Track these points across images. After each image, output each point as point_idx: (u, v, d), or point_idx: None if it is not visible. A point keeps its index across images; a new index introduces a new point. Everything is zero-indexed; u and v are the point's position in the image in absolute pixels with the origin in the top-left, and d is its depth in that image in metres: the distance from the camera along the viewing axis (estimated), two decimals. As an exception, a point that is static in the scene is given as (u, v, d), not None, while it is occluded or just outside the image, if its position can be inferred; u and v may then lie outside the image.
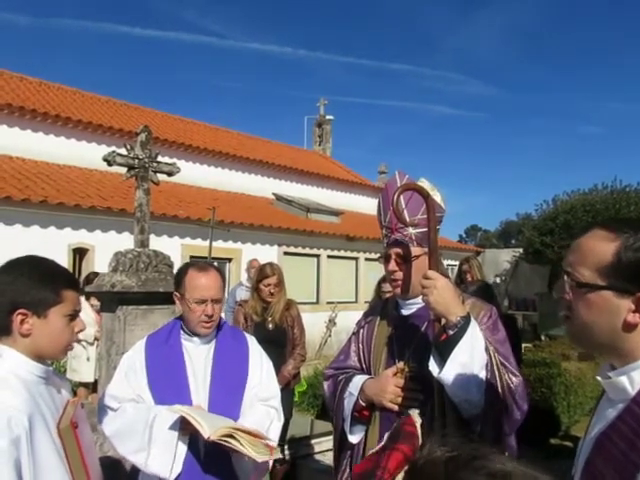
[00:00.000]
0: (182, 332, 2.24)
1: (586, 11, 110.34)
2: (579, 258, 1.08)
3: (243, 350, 2.30)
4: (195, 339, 2.22)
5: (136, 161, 4.07)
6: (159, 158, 4.31)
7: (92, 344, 6.17)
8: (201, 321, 2.14)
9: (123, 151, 4.08)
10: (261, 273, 4.31)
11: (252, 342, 2.37)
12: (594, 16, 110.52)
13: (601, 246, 1.04)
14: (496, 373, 1.74)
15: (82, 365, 6.19)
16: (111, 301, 3.80)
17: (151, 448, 2.00)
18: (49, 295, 1.43)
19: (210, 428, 1.89)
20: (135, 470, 2.20)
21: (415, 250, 1.94)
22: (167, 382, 2.11)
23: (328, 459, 4.42)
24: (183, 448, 2.02)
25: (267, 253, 12.16)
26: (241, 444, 1.90)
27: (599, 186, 15.92)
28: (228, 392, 2.13)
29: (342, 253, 15.17)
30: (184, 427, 2.01)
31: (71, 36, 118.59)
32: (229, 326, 2.39)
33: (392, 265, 1.98)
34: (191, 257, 11.44)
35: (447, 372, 1.67)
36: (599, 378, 1.10)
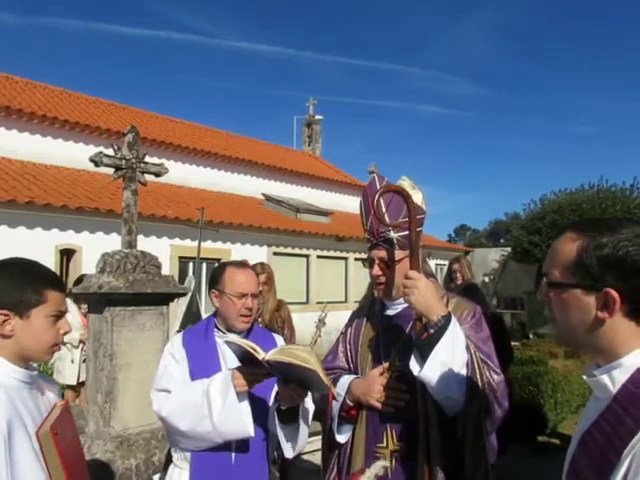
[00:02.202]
0: (216, 330, 2.32)
1: (576, 10, 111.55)
2: (551, 260, 1.13)
3: (270, 347, 2.37)
4: (228, 335, 2.27)
5: (123, 162, 4.05)
6: (147, 158, 4.30)
7: (77, 347, 6.14)
8: (241, 314, 2.23)
9: (110, 152, 4.06)
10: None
11: (280, 341, 2.44)
12: (584, 15, 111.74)
13: (567, 246, 1.09)
14: (477, 371, 1.77)
15: (66, 367, 6.17)
16: (98, 302, 3.78)
17: (213, 412, 2.00)
18: (31, 296, 1.42)
19: (263, 353, 1.90)
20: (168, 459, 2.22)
21: (398, 253, 1.95)
22: (204, 375, 2.15)
23: (317, 459, 4.43)
24: (246, 404, 2.02)
25: (256, 253, 12.15)
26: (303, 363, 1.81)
27: (586, 186, 16.12)
28: (259, 387, 2.13)
29: (332, 253, 15.20)
30: (237, 374, 2.00)
31: (58, 35, 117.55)
32: (259, 326, 2.47)
33: (376, 270, 2.00)
34: (180, 258, 11.41)
35: (427, 370, 1.69)
36: (585, 377, 1.12)
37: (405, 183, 2.02)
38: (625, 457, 0.92)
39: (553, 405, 6.15)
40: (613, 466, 0.94)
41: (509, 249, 18.22)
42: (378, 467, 1.62)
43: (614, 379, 1.02)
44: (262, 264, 4.49)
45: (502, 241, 37.00)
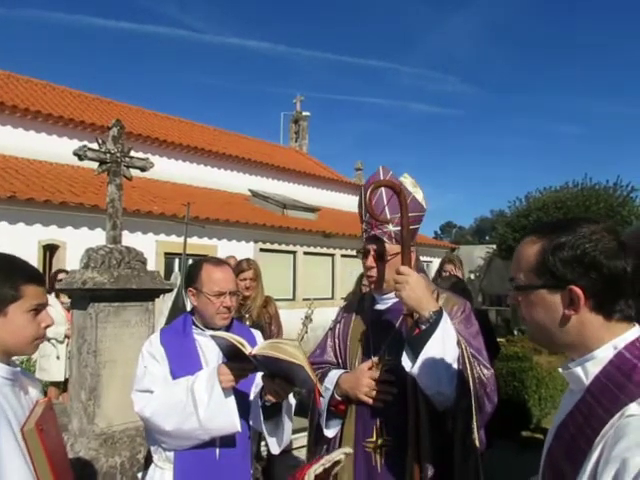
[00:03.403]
0: (194, 327, 2.28)
1: (564, 10, 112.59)
2: (516, 264, 1.17)
3: (251, 344, 2.35)
4: (208, 333, 2.23)
5: (108, 156, 3.99)
6: (132, 153, 4.24)
7: (62, 342, 6.04)
8: (220, 313, 2.20)
9: (95, 145, 4.00)
10: (237, 267, 4.28)
11: (258, 336, 2.42)
12: (571, 16, 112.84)
13: (529, 250, 1.13)
14: (467, 366, 1.77)
15: (52, 364, 6.06)
16: (82, 298, 3.73)
17: (199, 409, 1.97)
18: (7, 291, 1.39)
19: (250, 347, 1.88)
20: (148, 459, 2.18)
21: (393, 248, 1.94)
22: (184, 373, 2.12)
23: (303, 455, 4.41)
24: (232, 399, 2.00)
25: (243, 250, 12.10)
26: (290, 356, 1.78)
27: (570, 184, 16.31)
28: (240, 382, 2.12)
29: (318, 250, 15.18)
30: (222, 370, 1.98)
31: (42, 28, 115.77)
32: (237, 322, 2.43)
33: (370, 261, 1.98)
34: (166, 254, 11.31)
35: (419, 366, 1.69)
36: (560, 370, 1.16)
37: (406, 181, 2.01)
38: (597, 445, 0.94)
39: (537, 401, 6.21)
40: (585, 454, 0.96)
41: (494, 246, 18.39)
42: (337, 453, 1.55)
43: (587, 371, 1.06)
44: (248, 260, 4.46)
45: (487, 238, 37.33)
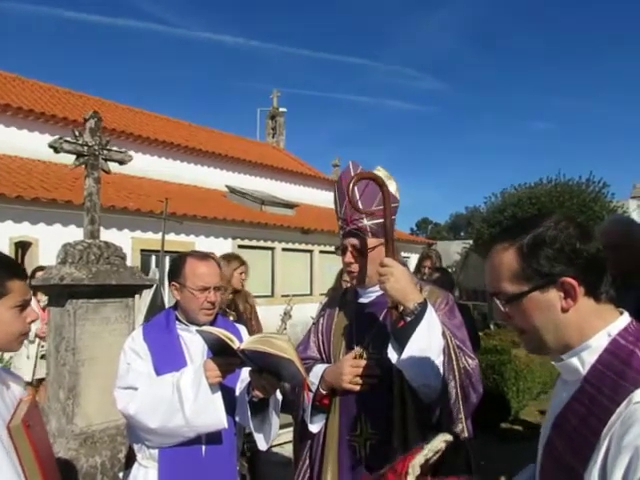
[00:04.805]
0: (177, 322, 2.23)
1: (537, 10, 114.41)
2: (495, 277, 1.14)
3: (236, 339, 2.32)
4: (191, 328, 2.19)
5: (85, 148, 3.89)
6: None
7: (32, 342, 5.91)
8: (203, 308, 2.15)
9: (71, 138, 3.89)
10: (237, 261, 4.29)
11: (244, 332, 2.38)
12: (547, 15, 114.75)
13: (504, 257, 1.11)
14: (453, 357, 1.77)
15: (22, 363, 5.94)
16: (60, 295, 3.64)
17: (185, 406, 1.93)
18: None
19: (238, 342, 1.85)
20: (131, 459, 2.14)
21: (371, 241, 1.95)
22: (169, 369, 2.08)
23: (287, 451, 4.40)
24: (218, 395, 1.96)
25: (221, 246, 11.98)
26: (279, 350, 1.75)
27: (544, 180, 16.60)
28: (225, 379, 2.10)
29: (297, 246, 15.16)
30: (209, 365, 1.95)
31: (10, 20, 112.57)
32: (221, 317, 2.40)
33: (348, 257, 1.98)
34: (142, 250, 11.14)
35: (405, 358, 1.68)
36: (553, 362, 1.14)
37: (380, 173, 2.01)
38: (605, 435, 0.93)
39: (515, 393, 6.30)
40: (592, 446, 0.94)
41: (471, 241, 18.63)
42: (438, 442, 1.47)
43: (583, 361, 1.05)
44: (238, 256, 4.48)
45: (462, 234, 37.85)
